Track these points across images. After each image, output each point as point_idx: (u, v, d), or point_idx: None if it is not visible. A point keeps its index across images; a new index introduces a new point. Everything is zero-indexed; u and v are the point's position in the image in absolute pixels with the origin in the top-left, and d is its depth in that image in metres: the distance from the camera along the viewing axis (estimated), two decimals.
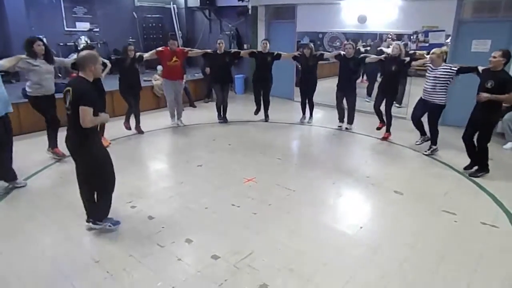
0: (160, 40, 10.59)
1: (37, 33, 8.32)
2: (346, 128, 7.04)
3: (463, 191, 4.53)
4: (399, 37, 9.76)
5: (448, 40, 7.09)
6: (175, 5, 11.21)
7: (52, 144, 5.25)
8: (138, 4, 10.54)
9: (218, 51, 7.04)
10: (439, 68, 5.25)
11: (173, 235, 3.43)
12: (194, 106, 8.79)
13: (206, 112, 8.18)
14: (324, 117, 7.50)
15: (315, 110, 7.61)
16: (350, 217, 3.86)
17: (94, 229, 3.46)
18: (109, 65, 5.75)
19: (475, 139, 4.89)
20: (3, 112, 4.14)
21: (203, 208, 3.98)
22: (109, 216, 3.53)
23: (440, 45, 6.82)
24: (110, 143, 5.90)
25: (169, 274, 2.91)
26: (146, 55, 6.63)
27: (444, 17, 6.86)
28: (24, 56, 4.70)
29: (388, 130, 6.43)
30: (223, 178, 4.77)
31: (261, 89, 7.44)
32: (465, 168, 5.07)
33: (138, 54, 6.40)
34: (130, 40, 9.94)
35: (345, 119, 7.08)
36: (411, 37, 7.84)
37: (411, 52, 7.64)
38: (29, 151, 5.54)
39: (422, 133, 5.88)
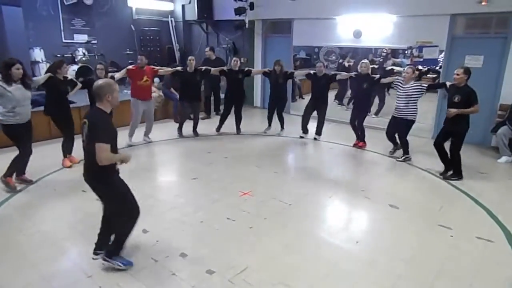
0: (158, 53, 10.67)
1: (34, 44, 8.42)
2: (315, 138, 7.29)
3: (459, 205, 4.54)
4: (393, 52, 9.94)
5: (442, 55, 7.21)
6: (172, 18, 11.33)
7: (11, 172, 4.58)
8: (136, 17, 10.65)
9: (188, 69, 6.90)
10: (410, 85, 5.60)
11: (168, 249, 3.39)
12: (190, 119, 8.79)
13: (201, 125, 8.18)
14: (329, 132, 7.49)
15: (310, 124, 7.64)
16: (346, 232, 3.85)
17: (104, 263, 3.09)
18: (79, 85, 5.52)
19: (447, 148, 5.32)
20: None
21: (198, 222, 3.95)
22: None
23: (434, 60, 6.94)
24: (78, 162, 5.47)
25: None
26: (117, 75, 6.23)
27: (438, 32, 7.00)
28: None
29: (362, 140, 6.77)
30: (218, 191, 4.75)
31: (234, 105, 7.49)
32: (441, 174, 5.40)
33: (109, 74, 5.96)
34: (128, 52, 10.04)
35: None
36: (406, 52, 7.97)
37: (389, 69, 7.89)
38: None
39: (395, 144, 6.27)
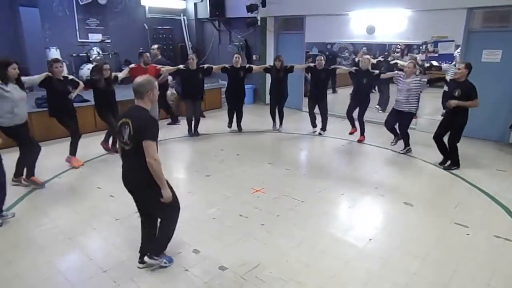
0: (170, 51, 10.74)
1: (50, 44, 8.58)
2: (320, 133, 7.35)
3: (475, 203, 4.44)
4: (408, 47, 9.78)
5: (458, 50, 7.05)
6: (185, 17, 11.38)
7: (20, 172, 4.65)
8: (149, 15, 10.73)
9: (190, 67, 6.87)
10: (411, 80, 5.73)
11: (181, 245, 3.42)
12: (203, 116, 8.84)
13: (215, 122, 8.22)
14: (333, 128, 7.47)
15: (330, 121, 7.59)
16: (359, 229, 3.81)
17: (150, 266, 3.07)
18: (81, 85, 5.42)
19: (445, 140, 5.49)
20: None
21: (211, 219, 3.97)
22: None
23: (450, 56, 6.81)
24: (83, 164, 5.54)
25: (176, 285, 2.89)
26: (120, 75, 6.18)
27: (454, 27, 6.85)
28: None
29: (362, 134, 6.86)
30: (231, 189, 4.76)
31: (235, 103, 7.47)
32: (440, 164, 5.59)
33: (113, 74, 5.94)
34: (141, 50, 10.11)
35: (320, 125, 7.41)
36: (421, 47, 7.83)
37: (393, 63, 7.81)
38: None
39: (395, 134, 6.34)
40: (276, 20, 9.61)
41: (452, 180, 5.13)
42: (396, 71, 6.39)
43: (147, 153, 2.55)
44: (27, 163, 4.63)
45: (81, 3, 9.34)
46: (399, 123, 6.07)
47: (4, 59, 4.18)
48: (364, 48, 10.61)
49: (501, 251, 3.42)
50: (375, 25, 7.94)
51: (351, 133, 6.94)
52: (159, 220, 3.04)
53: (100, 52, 9.47)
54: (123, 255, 3.29)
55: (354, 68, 6.80)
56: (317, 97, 7.12)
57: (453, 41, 6.92)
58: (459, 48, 6.97)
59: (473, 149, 6.43)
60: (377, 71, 6.64)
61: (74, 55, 9.13)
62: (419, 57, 8.24)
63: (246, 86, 10.07)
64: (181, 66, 7.06)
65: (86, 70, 8.42)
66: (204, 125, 7.64)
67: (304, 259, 3.24)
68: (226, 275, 3.01)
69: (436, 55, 7.00)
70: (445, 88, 6.09)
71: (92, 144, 6.26)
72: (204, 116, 8.82)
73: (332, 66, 7.32)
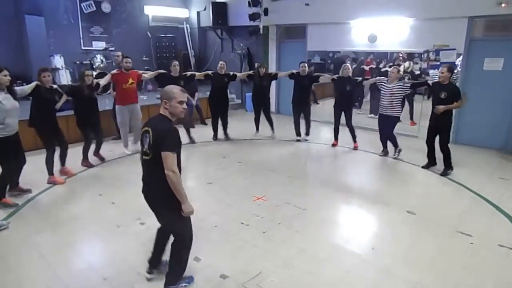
0: (173, 59, 10.79)
1: (55, 52, 8.66)
2: (306, 140, 7.44)
3: (479, 211, 4.41)
4: (409, 56, 9.78)
5: (460, 59, 7.07)
6: (188, 25, 11.49)
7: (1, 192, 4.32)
8: (153, 24, 10.84)
9: (172, 74, 6.72)
10: (394, 85, 5.93)
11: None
12: (205, 124, 8.86)
13: (219, 130, 8.21)
14: (345, 139, 7.43)
15: (325, 129, 7.60)
16: (361, 237, 3.79)
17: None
18: (64, 96, 5.16)
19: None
20: None
21: (212, 226, 3.95)
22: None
23: (451, 64, 6.81)
24: (75, 174, 5.39)
25: None
26: (102, 81, 5.94)
27: (455, 35, 6.87)
28: None
29: (355, 141, 6.95)
30: (232, 196, 4.75)
31: (219, 111, 7.39)
32: (424, 167, 5.80)
33: (95, 81, 5.69)
34: (144, 58, 10.22)
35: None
36: (422, 55, 7.84)
37: (384, 70, 7.96)
38: None
39: (385, 146, 6.47)
40: (278, 28, 9.68)
41: (455, 189, 5.10)
42: (378, 77, 6.56)
43: (165, 165, 2.44)
44: (5, 181, 4.30)
45: (85, 12, 9.46)
46: (385, 127, 6.22)
47: None
48: (371, 56, 10.61)
49: (505, 261, 3.38)
50: (377, 33, 7.97)
51: (333, 145, 7.08)
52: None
53: (104, 60, 9.55)
54: (124, 263, 3.27)
55: (337, 75, 6.95)
56: (300, 103, 7.25)
57: (454, 49, 6.93)
58: (461, 57, 6.98)
59: (475, 158, 6.41)
60: (359, 78, 6.80)
61: (77, 62, 9.21)
62: (419, 65, 8.31)
63: (247, 94, 10.17)
64: (161, 70, 6.94)
65: (107, 75, 8.46)
66: (206, 133, 7.64)
67: (306, 267, 3.21)
68: (227, 284, 2.99)
69: (438, 63, 7.00)
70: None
71: (108, 146, 6.41)
72: (206, 124, 8.83)
73: (316, 74, 7.49)
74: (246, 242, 3.63)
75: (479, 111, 6.78)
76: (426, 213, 4.30)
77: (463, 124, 7.07)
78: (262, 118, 7.60)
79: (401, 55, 9.28)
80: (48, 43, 8.49)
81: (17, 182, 4.57)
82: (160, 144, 2.45)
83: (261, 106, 7.55)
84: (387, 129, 6.23)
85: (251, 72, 7.61)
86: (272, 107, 10.13)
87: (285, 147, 7.16)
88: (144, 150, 2.58)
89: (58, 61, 8.65)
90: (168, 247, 2.87)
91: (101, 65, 9.40)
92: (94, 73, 8.75)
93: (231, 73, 7.35)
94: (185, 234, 2.75)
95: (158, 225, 3.84)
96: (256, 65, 9.67)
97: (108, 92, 6.27)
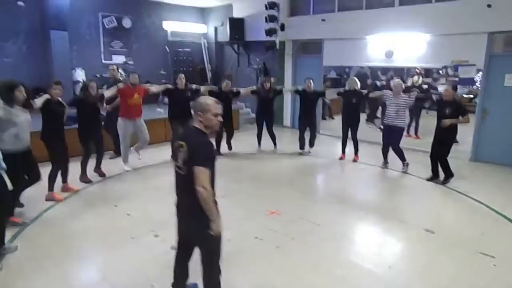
0: (190, 73, 10.98)
1: (76, 65, 8.93)
2: (309, 152, 7.51)
3: (501, 231, 4.25)
4: (426, 72, 9.70)
5: (479, 74, 6.96)
6: (205, 40, 11.70)
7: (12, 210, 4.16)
8: (171, 39, 11.08)
9: (178, 86, 6.67)
10: (399, 97, 6.13)
11: (195, 266, 3.35)
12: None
13: (235, 143, 8.26)
14: (350, 152, 7.37)
15: (339, 144, 7.52)
16: (377, 255, 3.69)
17: None
18: (67, 108, 5.00)
19: None
20: None
21: (226, 240, 3.89)
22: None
23: (470, 80, 6.74)
24: (77, 190, 5.25)
25: None
26: (107, 93, 5.82)
27: (475, 51, 6.77)
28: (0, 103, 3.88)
29: (356, 153, 7.03)
30: (247, 210, 4.72)
31: (224, 126, 7.12)
32: (429, 180, 5.86)
33: (99, 91, 5.60)
34: (162, 72, 10.41)
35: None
36: (440, 71, 7.77)
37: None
38: None
39: (385, 157, 6.59)
40: (294, 43, 9.75)
41: (475, 207, 4.94)
42: (384, 90, 6.67)
43: (196, 180, 2.31)
44: (13, 198, 4.08)
45: (107, 27, 9.76)
46: (391, 139, 6.30)
47: (10, 81, 4.02)
48: (391, 72, 10.57)
49: None
50: (394, 49, 7.94)
51: (340, 159, 7.11)
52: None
53: (123, 73, 9.75)
54: (137, 274, 3.27)
55: (343, 88, 7.06)
56: (307, 118, 7.29)
57: (474, 65, 6.83)
58: (480, 72, 6.87)
59: (496, 175, 6.22)
60: (365, 91, 6.89)
61: (97, 75, 9.44)
62: (430, 79, 8.35)
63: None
64: (168, 85, 6.90)
65: (113, 88, 8.66)
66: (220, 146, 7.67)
67: (320, 284, 3.14)
68: None
69: (457, 79, 6.91)
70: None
71: (110, 162, 6.35)
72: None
73: (321, 89, 7.59)
74: (259, 257, 3.59)
75: (500, 127, 6.62)
76: (444, 231, 4.17)
77: (483, 141, 6.91)
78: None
79: (418, 71, 9.21)
80: (70, 56, 8.75)
81: (12, 211, 4.18)
82: (194, 158, 2.35)
83: (264, 120, 7.57)
84: (393, 143, 6.30)
85: (254, 88, 7.67)
86: (288, 122, 10.17)
87: (298, 161, 7.12)
88: (178, 165, 2.47)
89: (80, 74, 8.91)
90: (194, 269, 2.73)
91: (120, 79, 9.60)
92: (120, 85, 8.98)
93: (235, 89, 7.36)
94: (215, 254, 2.60)
95: (172, 238, 3.84)
96: (272, 79, 9.81)
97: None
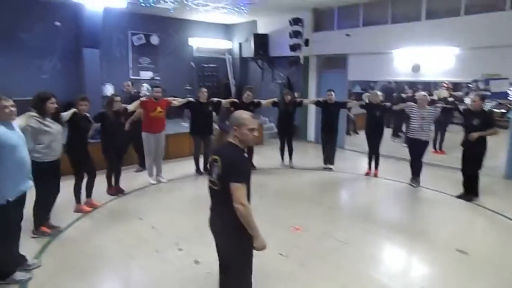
0: (215, 88, 11.16)
1: (106, 81, 9.28)
2: (330, 168, 7.34)
3: None
4: (455, 87, 9.46)
5: None
6: (230, 56, 11.91)
7: (42, 220, 4.26)
8: (196, 54, 11.34)
9: (201, 100, 6.69)
10: (424, 109, 5.99)
11: (218, 282, 3.34)
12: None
13: (256, 157, 8.26)
14: (384, 169, 7.18)
15: (363, 159, 7.40)
16: (407, 276, 3.56)
17: None
18: (93, 123, 5.07)
19: None
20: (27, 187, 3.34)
21: None
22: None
23: (503, 94, 6.53)
24: (98, 205, 5.23)
25: None
26: (130, 107, 5.85)
27: (507, 64, 6.55)
28: (34, 113, 3.97)
29: (376, 168, 6.93)
30: (270, 225, 4.62)
31: None
32: (458, 197, 5.65)
33: (122, 105, 5.61)
34: (187, 87, 10.63)
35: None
36: (470, 85, 7.54)
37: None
38: None
39: (418, 173, 6.32)
40: (318, 58, 9.76)
41: (508, 225, 4.69)
42: (408, 103, 6.55)
43: (234, 197, 2.27)
44: (41, 208, 4.20)
45: (135, 44, 10.12)
46: (415, 153, 6.18)
47: (44, 93, 4.08)
48: (420, 87, 10.40)
49: None
50: (421, 63, 7.80)
51: (366, 174, 6.98)
52: None
53: (150, 88, 10.04)
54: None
55: (365, 101, 6.99)
56: (328, 130, 7.24)
57: (507, 78, 6.59)
58: None
59: None
60: (388, 104, 6.80)
61: (124, 90, 9.73)
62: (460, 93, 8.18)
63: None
64: (190, 99, 6.88)
65: (136, 102, 8.89)
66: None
67: None
68: None
69: (489, 93, 6.68)
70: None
71: (135, 175, 6.46)
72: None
73: (344, 100, 7.53)
74: (283, 274, 3.53)
75: None
76: (478, 253, 3.97)
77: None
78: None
79: (445, 85, 9.00)
80: (101, 73, 9.10)
81: (49, 216, 4.39)
82: (229, 174, 2.30)
83: (285, 133, 7.54)
84: (416, 154, 6.18)
85: (275, 99, 7.63)
86: (311, 136, 10.10)
87: (322, 176, 7.03)
88: (213, 180, 2.43)
89: (109, 89, 9.26)
90: None
91: (147, 93, 9.87)
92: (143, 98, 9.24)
93: (256, 100, 7.27)
94: (244, 274, 2.57)
95: (196, 252, 3.83)
96: (296, 94, 9.81)
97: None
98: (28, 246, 3.78)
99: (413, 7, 7.83)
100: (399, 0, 8.09)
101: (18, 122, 3.39)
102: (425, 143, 6.14)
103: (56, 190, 4.33)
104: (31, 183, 3.38)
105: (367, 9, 8.64)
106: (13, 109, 3.15)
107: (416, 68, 7.89)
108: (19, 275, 3.30)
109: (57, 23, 8.72)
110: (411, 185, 6.31)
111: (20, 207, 3.29)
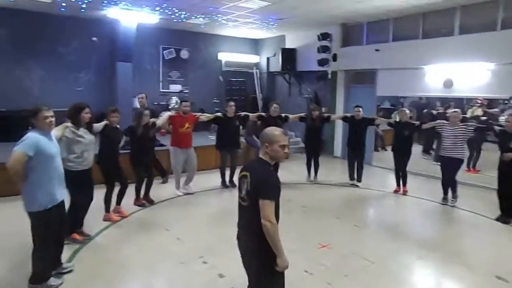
0: (242, 102, 11.25)
1: (137, 93, 9.50)
2: (356, 185, 7.20)
3: None
4: (490, 103, 9.10)
5: None
6: (257, 70, 12.03)
7: (74, 227, 4.34)
8: (225, 69, 11.54)
9: (228, 115, 6.69)
10: (456, 127, 5.79)
11: None
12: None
13: (282, 172, 8.20)
14: (414, 187, 6.95)
15: (391, 176, 7.19)
16: None
17: None
18: (124, 137, 5.26)
19: None
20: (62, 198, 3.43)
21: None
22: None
23: None
24: (126, 215, 5.31)
25: None
26: (159, 122, 5.92)
27: None
28: (69, 124, 4.08)
29: (404, 185, 6.74)
30: (296, 242, 4.55)
31: None
32: (497, 220, 5.36)
33: (151, 120, 5.70)
34: (215, 100, 10.79)
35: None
36: (506, 102, 7.24)
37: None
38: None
39: (446, 192, 6.14)
40: (346, 73, 9.68)
41: None
42: (439, 121, 6.39)
43: (262, 213, 2.25)
44: (73, 215, 4.22)
45: (166, 58, 10.42)
46: (449, 172, 5.98)
47: (79, 104, 4.19)
48: (452, 103, 10.09)
49: None
50: (453, 78, 7.57)
51: (395, 191, 6.83)
52: None
53: (178, 101, 10.25)
54: None
55: (394, 119, 6.84)
56: (355, 147, 7.15)
57: None
58: None
59: None
60: (417, 122, 6.66)
61: (155, 103, 10.00)
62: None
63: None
64: (218, 114, 6.93)
65: (164, 115, 9.05)
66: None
67: None
68: None
69: None
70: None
71: (164, 186, 6.54)
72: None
73: (371, 117, 7.37)
74: None
75: None
76: None
77: None
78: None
79: (479, 101, 8.67)
80: (133, 85, 9.39)
81: (82, 223, 4.49)
82: (258, 190, 2.28)
83: (312, 149, 7.46)
84: (449, 173, 5.97)
85: (303, 114, 7.56)
86: (338, 152, 9.94)
87: (349, 192, 6.89)
88: (242, 196, 2.43)
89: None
90: None
91: (176, 106, 10.09)
92: (169, 113, 9.43)
93: (283, 115, 7.23)
94: None
95: (221, 266, 3.80)
96: (323, 109, 9.73)
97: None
98: None
99: (446, 22, 7.67)
100: (431, 15, 7.93)
101: (54, 132, 3.48)
102: (459, 161, 5.91)
103: (89, 198, 4.41)
104: (65, 192, 3.48)
105: (397, 24, 8.54)
106: (53, 119, 3.27)
107: (448, 84, 7.67)
108: (52, 280, 3.38)
109: (94, 38, 9.13)
110: (443, 204, 6.07)
111: (58, 214, 3.35)
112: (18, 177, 3.06)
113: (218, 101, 10.83)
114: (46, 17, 8.50)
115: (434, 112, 9.65)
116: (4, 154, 3.33)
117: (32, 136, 3.09)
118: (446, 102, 9.85)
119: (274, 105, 7.11)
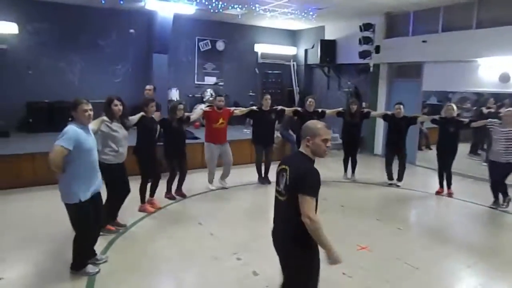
0: (278, 95, 11.02)
1: (172, 85, 9.58)
2: (397, 185, 6.78)
3: None
4: None
5: None
6: (295, 62, 11.72)
7: (108, 219, 4.31)
8: (261, 61, 11.33)
9: (263, 108, 6.50)
10: (510, 129, 5.29)
11: None
12: None
13: (317, 168, 7.93)
14: (460, 189, 6.50)
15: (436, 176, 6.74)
16: None
17: None
18: (159, 128, 5.23)
19: None
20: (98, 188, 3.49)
21: None
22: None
23: None
24: (160, 206, 5.29)
25: None
26: (193, 116, 5.95)
27: None
28: (105, 118, 4.08)
29: (449, 187, 6.28)
30: (334, 242, 4.28)
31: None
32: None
33: (186, 114, 5.66)
34: (250, 93, 10.64)
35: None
36: None
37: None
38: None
39: (496, 197, 5.68)
40: (390, 66, 9.17)
41: None
42: (490, 119, 5.85)
43: (302, 210, 2.15)
44: (107, 207, 4.18)
45: (201, 50, 10.38)
46: (502, 176, 5.49)
47: (109, 97, 4.18)
48: (492, 99, 9.36)
49: None
50: (511, 72, 6.94)
51: (437, 193, 6.36)
52: None
53: (213, 94, 10.19)
54: None
55: (438, 116, 6.33)
56: (395, 146, 6.73)
57: None
58: None
59: None
60: (466, 120, 6.26)
61: (190, 95, 10.02)
62: None
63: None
64: (253, 107, 6.75)
65: (199, 109, 9.04)
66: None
67: None
68: None
69: None
70: None
71: (198, 179, 6.48)
72: None
73: (413, 115, 6.87)
74: None
75: None
76: None
77: None
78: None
79: None
80: (168, 77, 9.42)
81: (117, 215, 4.50)
82: (298, 185, 2.18)
83: (350, 145, 7.12)
84: (498, 177, 5.51)
85: (341, 109, 7.19)
86: (378, 150, 9.48)
87: (388, 192, 6.53)
88: (279, 190, 2.34)
89: (174, 93, 9.55)
90: None
91: (210, 99, 10.04)
92: (203, 106, 9.38)
93: (320, 110, 6.92)
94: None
95: (255, 263, 3.64)
96: (364, 104, 9.31)
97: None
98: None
99: (504, 10, 7.01)
100: (488, 2, 7.29)
101: (91, 126, 3.52)
102: (510, 166, 5.36)
103: (126, 191, 4.37)
104: (101, 183, 3.53)
105: (448, 13, 7.92)
106: (91, 113, 3.30)
107: (505, 78, 7.04)
108: (90, 267, 3.45)
109: (132, 30, 9.23)
110: (493, 208, 5.62)
111: (95, 206, 3.40)
112: (58, 169, 3.12)
113: (253, 94, 10.68)
114: (87, 10, 8.65)
115: (485, 110, 8.94)
116: (49, 144, 3.39)
117: (71, 129, 3.15)
118: (500, 99, 9.11)
119: (310, 99, 6.82)
